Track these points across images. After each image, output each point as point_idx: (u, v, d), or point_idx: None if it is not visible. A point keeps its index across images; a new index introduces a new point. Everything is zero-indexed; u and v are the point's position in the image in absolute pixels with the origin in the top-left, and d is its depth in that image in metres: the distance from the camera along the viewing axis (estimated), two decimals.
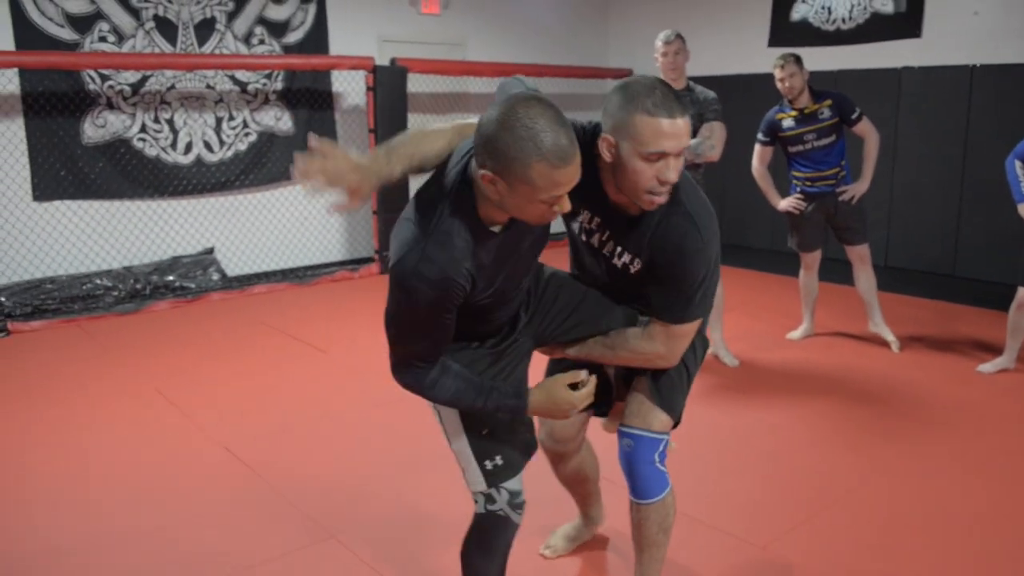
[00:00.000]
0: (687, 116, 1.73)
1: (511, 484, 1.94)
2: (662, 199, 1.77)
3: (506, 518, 1.96)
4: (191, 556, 2.69)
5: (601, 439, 2.56)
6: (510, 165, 1.49)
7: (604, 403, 2.21)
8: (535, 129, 1.48)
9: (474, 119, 1.86)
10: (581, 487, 2.51)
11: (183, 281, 6.30)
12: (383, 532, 2.84)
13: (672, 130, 1.69)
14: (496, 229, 1.66)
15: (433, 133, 1.80)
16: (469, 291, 1.65)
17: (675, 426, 2.12)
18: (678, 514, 2.86)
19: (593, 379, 1.85)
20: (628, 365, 2.05)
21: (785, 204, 4.76)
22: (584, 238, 1.97)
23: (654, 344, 1.94)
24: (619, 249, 1.92)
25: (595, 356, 2.02)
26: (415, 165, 1.76)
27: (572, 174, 1.53)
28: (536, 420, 2.24)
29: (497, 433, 1.93)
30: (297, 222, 7.11)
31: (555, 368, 2.17)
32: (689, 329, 1.94)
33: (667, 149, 1.70)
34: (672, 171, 1.73)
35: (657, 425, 2.06)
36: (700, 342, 2.13)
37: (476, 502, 1.98)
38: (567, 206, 1.58)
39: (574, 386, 1.84)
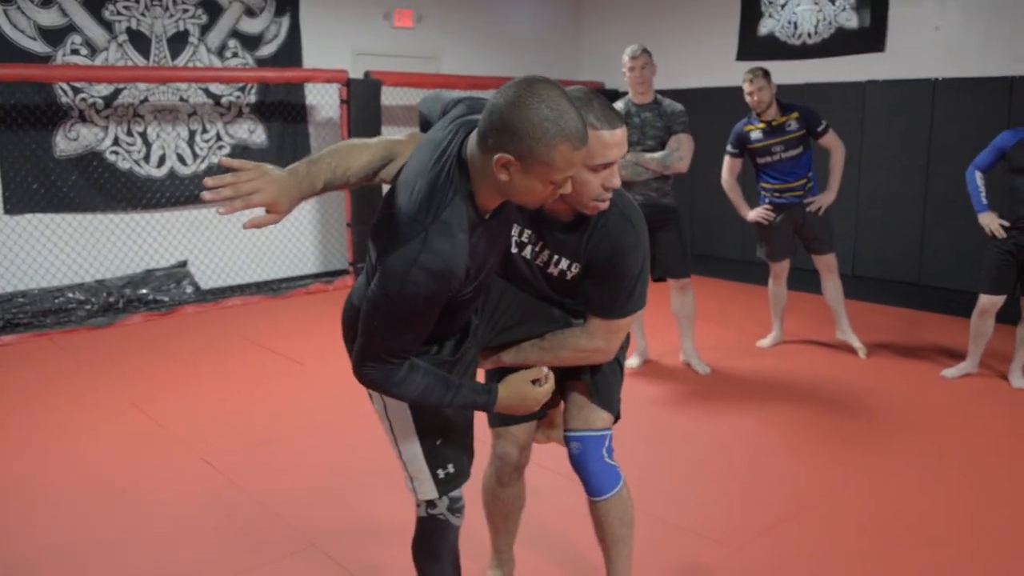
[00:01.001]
0: (624, 124, 1.80)
1: (455, 491, 1.97)
2: (606, 204, 1.84)
3: (446, 522, 1.99)
4: (172, 567, 2.70)
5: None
6: (533, 147, 1.49)
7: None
8: (560, 111, 1.49)
9: (400, 136, 1.88)
10: (516, 515, 2.46)
11: (156, 294, 6.28)
12: (363, 541, 2.87)
13: (614, 140, 1.76)
14: (487, 217, 1.66)
15: (359, 146, 1.80)
16: (462, 283, 1.63)
17: (615, 420, 2.17)
18: (653, 516, 2.93)
19: (552, 376, 1.88)
20: (565, 365, 2.07)
21: (754, 215, 4.86)
22: (516, 250, 2.00)
23: (594, 340, 1.98)
24: (556, 257, 1.96)
25: (531, 360, 2.02)
26: (339, 177, 1.75)
27: (584, 155, 1.58)
28: (493, 437, 2.28)
29: (450, 441, 1.94)
30: (271, 235, 7.10)
31: (491, 378, 2.18)
32: (628, 322, 2.00)
33: (613, 159, 1.77)
34: (616, 177, 1.80)
35: (599, 423, 2.12)
36: None
37: (417, 507, 2.00)
38: (570, 187, 1.62)
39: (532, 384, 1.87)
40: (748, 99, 4.64)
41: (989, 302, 4.31)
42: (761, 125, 4.69)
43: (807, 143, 4.72)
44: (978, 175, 4.32)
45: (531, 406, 1.86)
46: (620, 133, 1.78)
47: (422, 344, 1.73)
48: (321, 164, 1.72)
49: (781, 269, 5.01)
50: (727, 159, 4.86)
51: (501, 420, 2.22)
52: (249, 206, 1.61)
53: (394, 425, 1.92)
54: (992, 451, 3.59)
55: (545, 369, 1.88)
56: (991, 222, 4.25)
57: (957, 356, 4.83)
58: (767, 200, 4.85)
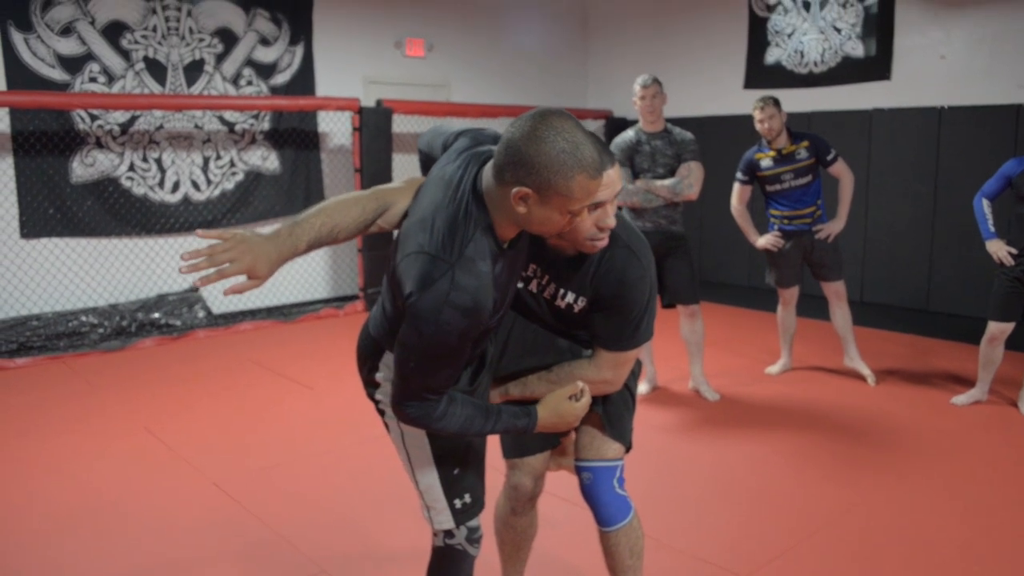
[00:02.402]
0: (616, 162, 1.78)
1: (472, 521, 1.98)
2: (604, 243, 1.82)
3: (463, 552, 2.00)
4: None
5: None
6: (551, 179, 1.51)
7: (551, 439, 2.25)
8: (575, 142, 1.51)
9: (396, 184, 1.89)
10: (528, 544, 2.45)
11: (169, 319, 6.33)
12: (374, 567, 2.88)
13: (607, 181, 1.73)
14: (507, 246, 1.68)
15: (348, 201, 1.79)
16: (491, 314, 1.64)
17: (627, 451, 2.17)
18: (661, 544, 2.94)
19: (588, 390, 1.90)
20: None
21: (763, 242, 4.89)
22: (522, 285, 2.00)
23: (602, 372, 1.98)
24: (562, 291, 1.95)
25: (539, 394, 2.01)
26: (325, 235, 1.74)
27: (601, 184, 1.60)
28: (508, 467, 2.27)
29: (467, 471, 1.95)
30: None
31: None
32: (636, 354, 2.00)
33: (604, 199, 1.74)
34: (611, 217, 1.78)
35: (611, 453, 2.12)
36: None
37: (434, 536, 2.01)
38: (587, 215, 1.64)
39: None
40: (759, 127, 4.69)
41: (998, 329, 4.32)
42: (771, 153, 4.74)
43: (816, 171, 4.76)
44: (985, 203, 4.35)
45: (571, 422, 1.89)
46: (614, 172, 1.76)
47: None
48: (306, 224, 1.73)
49: (790, 295, 5.02)
50: (737, 186, 4.90)
51: (517, 451, 2.22)
52: (224, 276, 1.63)
53: (411, 455, 1.93)
54: (1002, 479, 3.58)
55: (580, 384, 1.89)
56: (999, 249, 4.27)
57: (966, 383, 4.83)
58: (776, 227, 4.89)
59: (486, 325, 1.67)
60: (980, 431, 4.16)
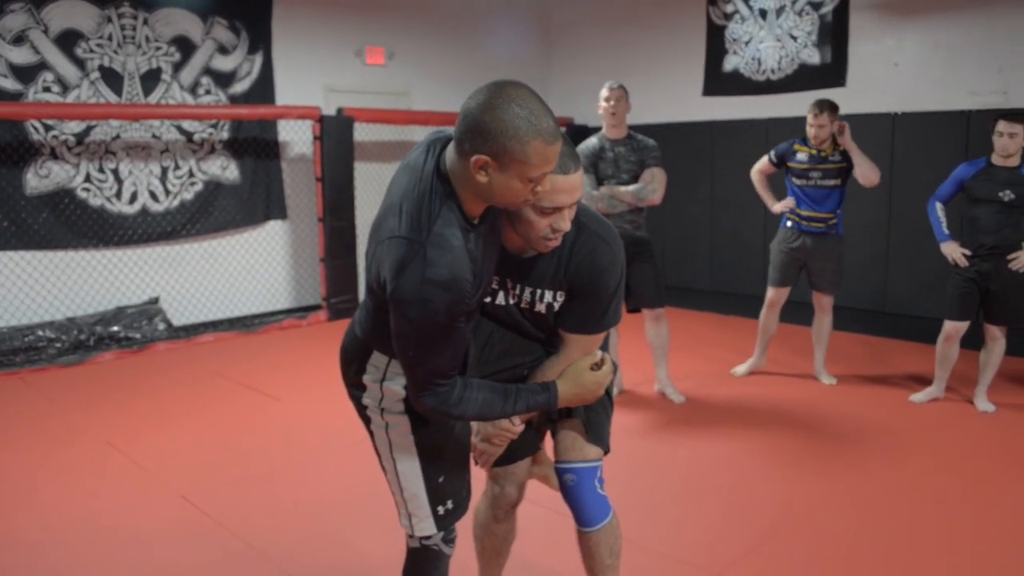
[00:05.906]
0: (580, 169, 1.80)
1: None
2: (556, 242, 1.82)
3: (439, 552, 2.00)
4: None
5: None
6: (507, 144, 1.53)
7: (534, 445, 2.27)
8: (530, 108, 1.54)
9: None
10: (507, 549, 2.46)
11: (128, 331, 6.22)
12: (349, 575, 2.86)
13: (567, 185, 1.74)
14: (476, 222, 1.69)
15: None
16: (473, 288, 1.65)
17: (605, 453, 2.19)
18: (635, 545, 2.96)
19: (609, 358, 1.91)
20: None
21: (780, 207, 4.92)
22: (489, 300, 1.99)
23: (572, 357, 1.96)
24: (539, 292, 1.94)
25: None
26: None
27: (558, 151, 1.61)
28: (488, 475, 2.26)
29: (451, 478, 1.95)
30: (243, 270, 7.09)
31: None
32: (602, 336, 2.00)
33: (562, 203, 1.75)
34: (566, 220, 1.78)
35: (593, 455, 2.14)
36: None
37: (409, 537, 2.00)
38: (548, 185, 1.65)
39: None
40: (809, 131, 4.72)
41: (953, 328, 4.43)
42: (811, 150, 4.75)
43: (845, 178, 4.74)
44: (939, 206, 4.46)
45: (595, 391, 1.89)
46: (575, 178, 1.76)
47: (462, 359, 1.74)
48: None
49: (779, 297, 5.02)
50: (764, 161, 4.95)
51: (503, 459, 2.19)
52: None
53: (398, 464, 1.91)
54: (961, 471, 3.67)
55: (600, 352, 1.89)
56: (953, 251, 4.38)
57: (924, 381, 4.94)
58: (789, 223, 4.90)
59: (471, 302, 1.67)
60: (938, 427, 4.26)
